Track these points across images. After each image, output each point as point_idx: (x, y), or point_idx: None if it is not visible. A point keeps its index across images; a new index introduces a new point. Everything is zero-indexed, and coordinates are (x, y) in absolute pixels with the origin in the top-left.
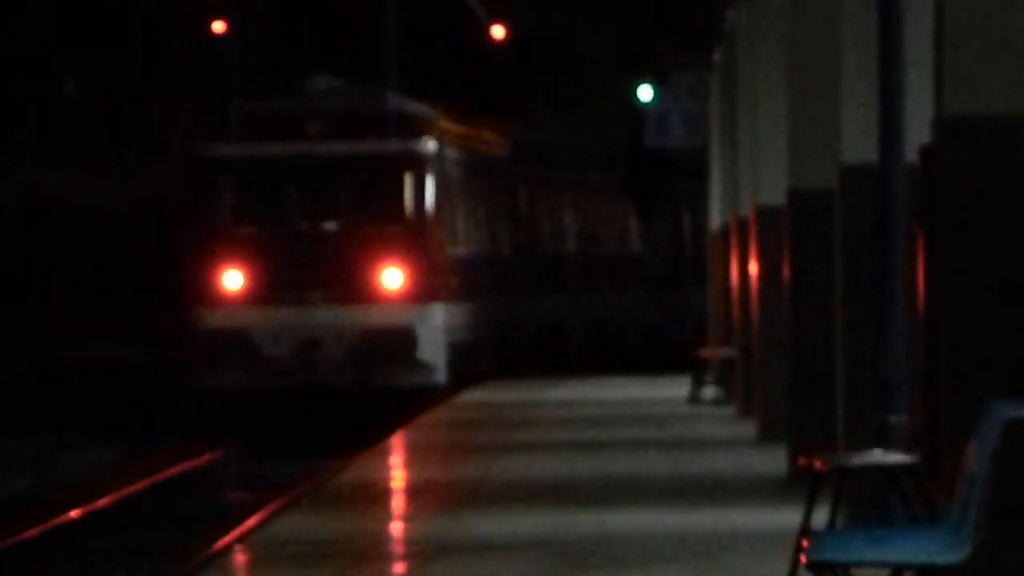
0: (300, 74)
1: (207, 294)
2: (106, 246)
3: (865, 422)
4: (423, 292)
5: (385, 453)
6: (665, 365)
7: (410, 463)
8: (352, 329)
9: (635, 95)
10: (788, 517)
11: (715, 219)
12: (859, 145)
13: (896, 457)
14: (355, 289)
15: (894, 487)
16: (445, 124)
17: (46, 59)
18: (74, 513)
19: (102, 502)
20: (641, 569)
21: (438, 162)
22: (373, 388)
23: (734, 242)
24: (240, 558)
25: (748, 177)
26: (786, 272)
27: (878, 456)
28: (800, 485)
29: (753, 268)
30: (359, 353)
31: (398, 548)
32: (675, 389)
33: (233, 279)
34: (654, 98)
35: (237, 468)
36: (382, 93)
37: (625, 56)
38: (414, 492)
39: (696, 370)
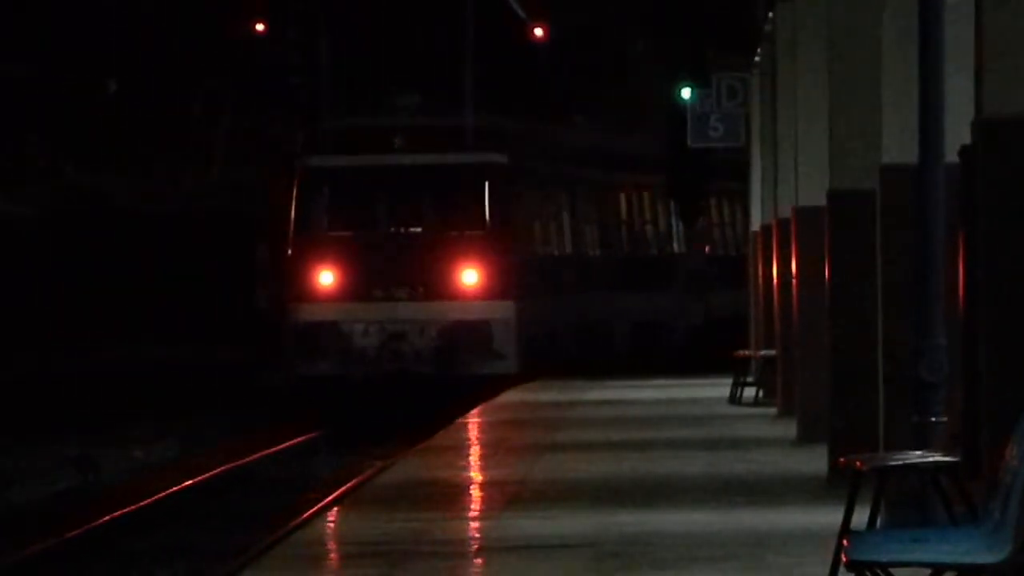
0: (379, 87)
1: (303, 291)
2: (150, 247)
3: (905, 422)
4: (497, 290)
5: (428, 453)
6: (707, 366)
7: (453, 463)
8: (434, 323)
9: (676, 96)
10: (828, 517)
11: (755, 219)
12: (899, 146)
13: (936, 457)
14: (437, 287)
15: (934, 487)
16: (517, 134)
17: (88, 60)
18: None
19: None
20: (682, 569)
21: (511, 171)
22: (452, 376)
23: (775, 243)
24: (283, 557)
25: (788, 178)
26: (826, 272)
27: (918, 456)
28: (840, 485)
29: (793, 268)
30: (440, 344)
31: (440, 548)
32: (716, 390)
33: (327, 277)
34: (695, 99)
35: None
36: (461, 107)
37: (666, 57)
38: (456, 492)
39: (736, 370)
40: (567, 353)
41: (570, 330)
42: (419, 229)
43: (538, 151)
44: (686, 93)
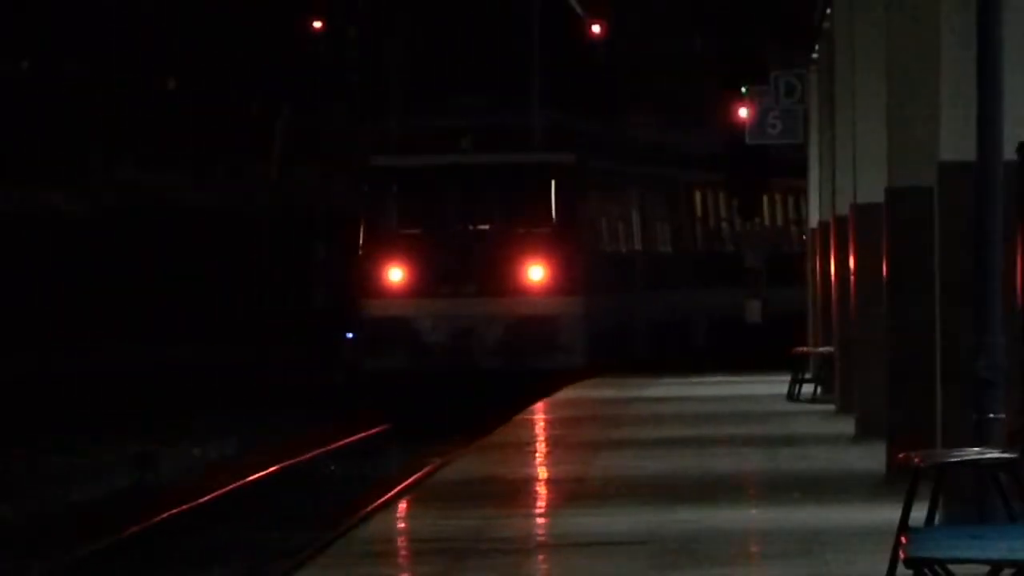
0: (446, 86)
1: (374, 287)
2: (207, 246)
3: (964, 419)
4: (564, 286)
5: (485, 450)
6: (766, 363)
7: (510, 460)
8: (502, 318)
9: (734, 93)
10: (886, 514)
11: (814, 217)
12: (958, 143)
13: (995, 454)
14: (505, 283)
15: (993, 484)
16: (582, 132)
17: (147, 58)
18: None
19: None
20: (740, 566)
21: (577, 169)
22: (520, 370)
23: (833, 240)
24: (341, 555)
25: (846, 175)
26: (884, 270)
27: (977, 453)
28: (898, 482)
29: (851, 266)
30: (508, 339)
31: (498, 545)
32: (774, 387)
33: (397, 274)
34: (753, 96)
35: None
36: (527, 106)
37: (724, 54)
38: (514, 489)
39: (795, 367)
40: (635, 349)
41: (640, 326)
42: (487, 227)
43: (602, 149)
44: (744, 90)
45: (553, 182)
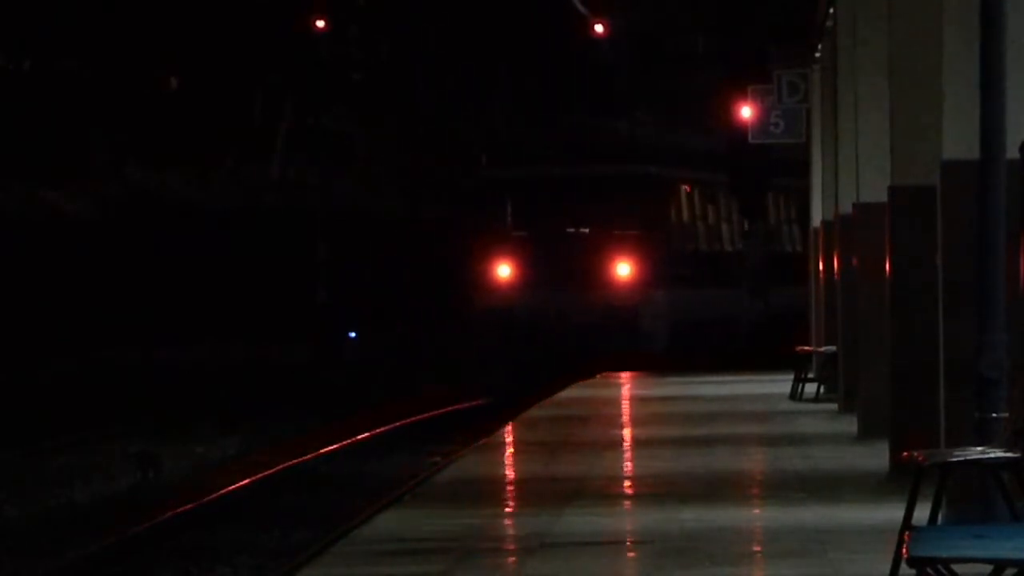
0: (547, 102)
1: (487, 281)
2: (210, 244)
3: (967, 418)
4: (646, 281)
5: (488, 450)
6: (768, 362)
7: (514, 459)
8: (593, 307)
9: (736, 92)
10: (889, 513)
11: (816, 216)
12: (960, 141)
13: (998, 453)
14: (596, 278)
15: (996, 483)
16: (658, 145)
17: (150, 56)
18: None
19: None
20: (743, 565)
21: (658, 179)
22: (607, 352)
23: (836, 239)
24: (342, 555)
25: (849, 174)
26: (887, 268)
27: (980, 452)
28: (902, 481)
29: (854, 265)
30: (598, 325)
31: (502, 544)
32: (776, 386)
33: (506, 270)
34: (755, 95)
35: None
36: (618, 123)
37: (726, 52)
38: (518, 488)
39: (798, 367)
40: (709, 340)
41: (714, 316)
42: (583, 229)
43: (672, 156)
44: (746, 89)
45: (640, 191)
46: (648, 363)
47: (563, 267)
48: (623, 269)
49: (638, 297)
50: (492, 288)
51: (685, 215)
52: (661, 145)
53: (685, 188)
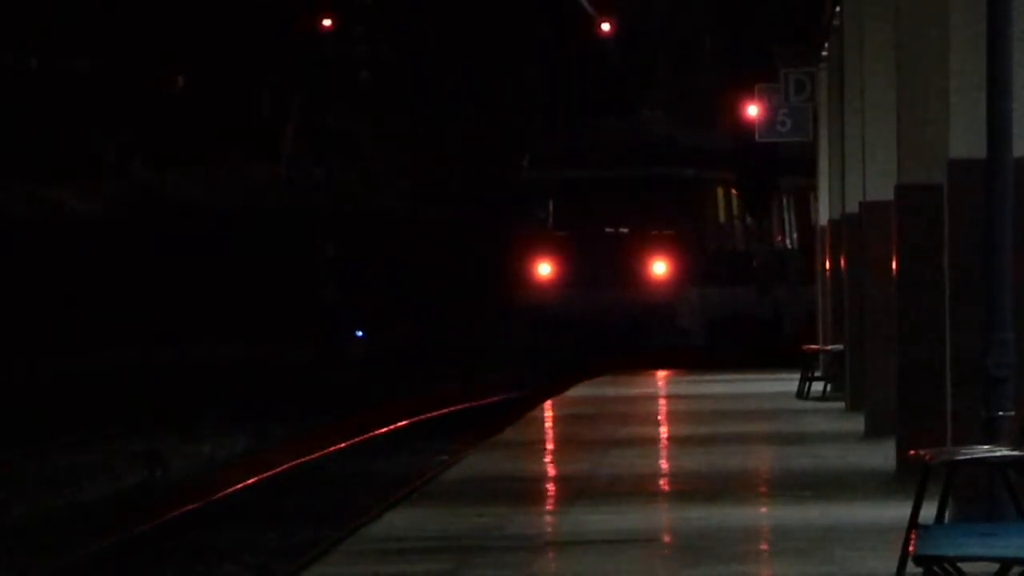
0: (584, 108)
1: (529, 279)
2: (216, 243)
3: (974, 416)
4: (681, 278)
5: (494, 448)
6: (776, 361)
7: (519, 458)
8: (632, 304)
9: (743, 91)
10: (896, 512)
11: (823, 215)
12: (967, 140)
13: (1004, 452)
14: (634, 276)
15: (1003, 482)
16: (693, 147)
17: (156, 55)
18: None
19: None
20: (750, 563)
21: (694, 181)
22: (645, 347)
23: (842, 237)
24: (350, 553)
25: (856, 172)
26: (894, 267)
27: (986, 450)
28: (908, 480)
29: (861, 264)
30: (636, 321)
31: (508, 543)
32: (783, 384)
33: (548, 268)
34: (762, 94)
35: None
36: (652, 127)
37: (733, 51)
38: (523, 487)
39: (804, 365)
40: (745, 335)
41: (749, 312)
42: (621, 229)
43: (702, 158)
44: (752, 88)
45: (677, 192)
46: (653, 362)
47: (605, 265)
48: (660, 267)
49: (674, 295)
50: (533, 286)
51: (722, 215)
52: (695, 146)
53: (720, 190)
